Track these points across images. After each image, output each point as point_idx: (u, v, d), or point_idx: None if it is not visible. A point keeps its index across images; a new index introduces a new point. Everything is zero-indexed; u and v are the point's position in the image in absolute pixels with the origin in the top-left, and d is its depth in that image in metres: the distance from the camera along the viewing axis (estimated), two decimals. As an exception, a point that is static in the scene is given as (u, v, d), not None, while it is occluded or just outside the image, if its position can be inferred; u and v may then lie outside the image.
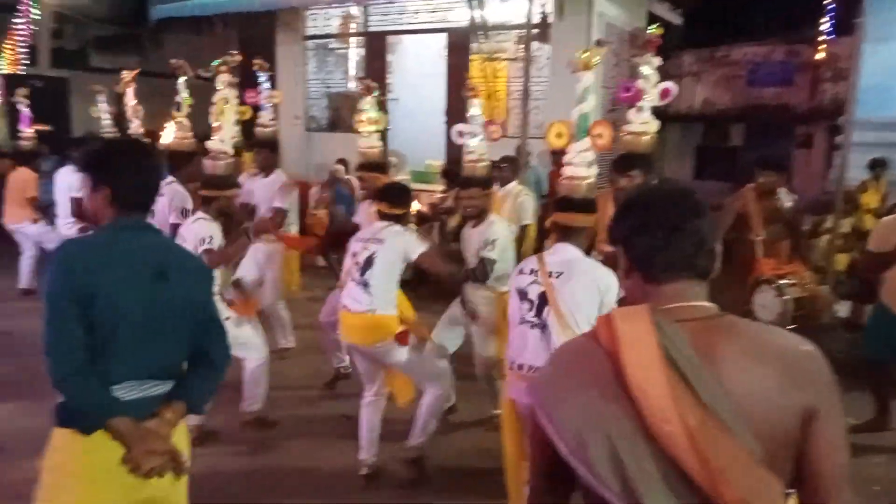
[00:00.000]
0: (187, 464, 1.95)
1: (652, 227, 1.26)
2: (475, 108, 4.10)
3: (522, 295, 2.98)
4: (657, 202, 1.30)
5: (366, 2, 9.12)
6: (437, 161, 9.73)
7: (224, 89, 4.06)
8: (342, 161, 9.44)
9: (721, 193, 8.82)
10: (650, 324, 1.16)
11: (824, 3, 9.93)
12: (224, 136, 3.99)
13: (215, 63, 4.14)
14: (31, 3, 12.42)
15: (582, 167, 2.98)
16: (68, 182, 5.77)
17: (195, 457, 3.74)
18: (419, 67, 10.46)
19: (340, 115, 10.33)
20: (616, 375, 1.14)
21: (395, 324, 3.50)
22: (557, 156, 8.24)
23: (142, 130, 6.76)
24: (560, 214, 3.02)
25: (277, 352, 5.41)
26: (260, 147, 5.34)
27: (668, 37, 11.51)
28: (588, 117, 3.04)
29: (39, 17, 12.34)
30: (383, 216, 3.63)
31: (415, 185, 7.83)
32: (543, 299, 2.90)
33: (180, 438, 2.00)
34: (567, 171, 3.02)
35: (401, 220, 3.63)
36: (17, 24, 13.34)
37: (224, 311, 3.95)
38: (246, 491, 3.54)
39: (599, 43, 3.06)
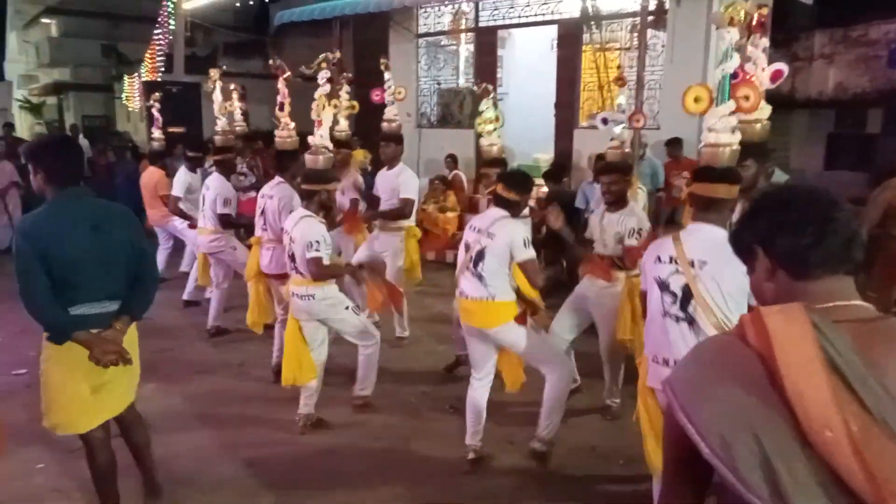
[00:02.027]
0: (132, 357, 2.86)
1: (801, 222, 1.20)
2: (622, 97, 4.27)
3: (663, 286, 2.78)
4: (797, 199, 1.23)
5: (476, -2, 9.16)
6: (546, 154, 9.65)
7: (324, 85, 4.22)
8: (451, 156, 9.58)
9: (857, 185, 8.16)
10: (807, 323, 1.08)
11: (982, -28, 8.94)
12: (324, 132, 4.14)
13: (317, 61, 4.30)
14: (168, 14, 13.42)
15: (725, 133, 2.76)
16: (215, 190, 5.67)
17: (312, 439, 3.98)
18: (529, 61, 10.41)
19: (450, 111, 10.44)
20: (768, 377, 1.07)
21: (514, 308, 3.54)
22: (672, 147, 7.98)
23: (243, 126, 7.18)
24: (700, 185, 2.77)
25: (393, 341, 5.59)
26: (386, 141, 5.52)
27: (797, 17, 10.80)
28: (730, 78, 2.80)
29: (174, 28, 13.29)
30: (498, 200, 3.60)
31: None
32: (688, 292, 2.68)
33: (130, 341, 2.91)
34: (708, 137, 2.80)
35: (514, 206, 3.57)
36: (156, 34, 14.49)
37: (345, 301, 4.15)
38: (357, 472, 3.67)
39: None
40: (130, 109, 19.35)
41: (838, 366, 1.04)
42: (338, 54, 4.58)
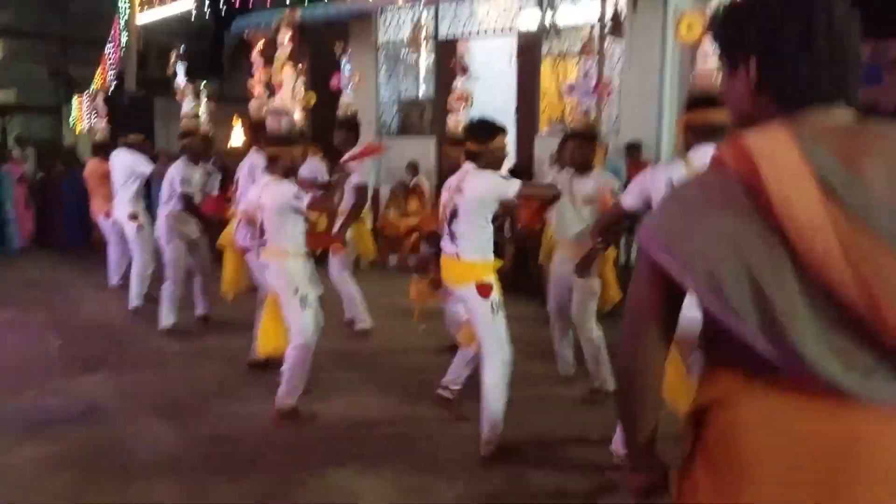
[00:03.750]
0: None
1: (808, 36, 1.05)
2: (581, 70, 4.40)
3: None
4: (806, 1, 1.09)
5: (435, 4, 9.23)
6: (507, 164, 9.67)
7: (285, 45, 4.14)
8: (412, 164, 9.53)
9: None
10: (789, 135, 1.01)
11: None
12: (284, 94, 4.03)
13: (280, 19, 4.23)
14: (120, 30, 13.16)
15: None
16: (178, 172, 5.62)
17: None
18: (489, 71, 10.48)
19: (410, 121, 10.43)
20: (752, 196, 1.00)
21: (481, 271, 3.41)
22: (632, 150, 8.08)
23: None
24: (695, 113, 2.87)
25: (356, 333, 5.40)
26: (339, 127, 5.46)
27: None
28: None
29: (126, 42, 13.03)
30: (468, 154, 3.49)
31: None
32: None
33: None
34: (702, 63, 2.92)
35: (480, 157, 3.41)
36: (108, 51, 14.21)
37: (295, 284, 3.77)
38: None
39: None
40: (78, 132, 18.87)
41: (823, 177, 0.97)
42: (298, 13, 4.50)
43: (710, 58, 2.88)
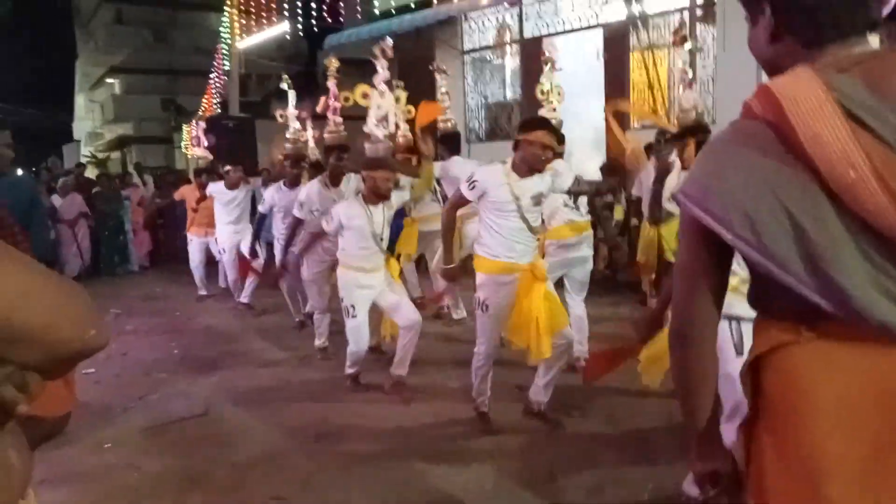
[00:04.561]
0: None
1: None
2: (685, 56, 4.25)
3: None
4: None
5: (519, 4, 9.24)
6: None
7: (382, 72, 4.27)
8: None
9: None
10: (811, 72, 1.00)
11: None
12: (373, 119, 4.19)
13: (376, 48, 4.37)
14: (223, 56, 13.97)
15: None
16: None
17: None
18: (576, 67, 10.38)
19: (499, 125, 10.47)
20: (782, 138, 0.99)
21: (475, 264, 3.61)
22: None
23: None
24: None
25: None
26: (441, 142, 5.64)
27: None
28: None
29: (229, 68, 13.79)
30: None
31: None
32: None
33: None
34: None
35: (516, 147, 3.54)
36: (211, 78, 15.12)
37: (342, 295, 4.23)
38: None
39: None
40: (190, 157, 20.15)
41: (851, 109, 0.95)
42: (390, 42, 4.64)
43: None
